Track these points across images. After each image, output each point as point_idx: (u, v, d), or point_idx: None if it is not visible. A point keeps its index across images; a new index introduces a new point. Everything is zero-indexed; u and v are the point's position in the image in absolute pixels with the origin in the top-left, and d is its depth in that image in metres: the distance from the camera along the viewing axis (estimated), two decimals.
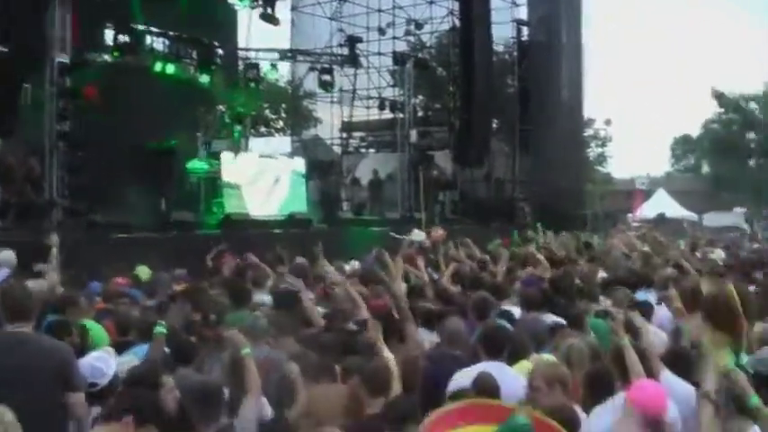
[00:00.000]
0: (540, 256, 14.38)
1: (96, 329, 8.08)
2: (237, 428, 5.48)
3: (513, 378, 6.54)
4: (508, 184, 31.96)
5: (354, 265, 14.15)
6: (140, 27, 24.06)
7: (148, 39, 24.64)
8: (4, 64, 15.49)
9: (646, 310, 8.86)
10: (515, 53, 32.76)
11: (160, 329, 6.91)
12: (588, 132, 50.30)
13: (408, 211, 27.10)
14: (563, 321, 8.67)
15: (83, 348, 7.48)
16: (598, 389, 6.25)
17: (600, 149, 60.97)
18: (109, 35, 23.20)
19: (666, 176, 74.36)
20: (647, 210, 46.48)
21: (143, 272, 12.95)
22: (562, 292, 10.52)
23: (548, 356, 6.70)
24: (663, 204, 47.24)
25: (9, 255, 11.49)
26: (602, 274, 13.39)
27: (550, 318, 8.94)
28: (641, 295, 10.40)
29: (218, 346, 6.98)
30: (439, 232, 19.74)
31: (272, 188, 22.98)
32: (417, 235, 19.08)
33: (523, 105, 31.08)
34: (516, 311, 9.48)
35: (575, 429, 5.29)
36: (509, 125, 32.38)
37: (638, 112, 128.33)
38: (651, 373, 6.18)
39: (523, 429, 2.48)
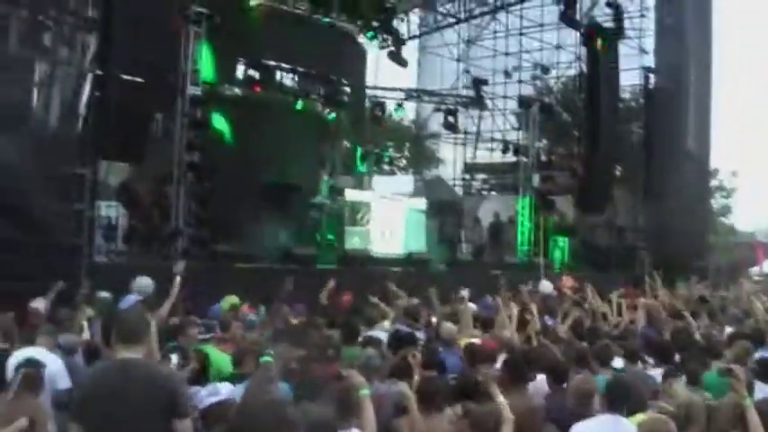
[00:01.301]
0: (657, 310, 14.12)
1: (217, 357, 8.20)
2: None
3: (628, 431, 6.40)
4: (629, 232, 31.44)
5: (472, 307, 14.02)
6: (271, 63, 24.53)
7: (278, 74, 25.09)
8: (137, 93, 15.91)
9: (765, 367, 8.58)
10: (642, 100, 32.34)
11: (267, 359, 6.91)
12: (713, 183, 49.16)
13: (528, 256, 26.90)
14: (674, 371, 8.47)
15: (201, 375, 7.61)
16: None
17: (724, 200, 59.55)
18: (240, 69, 23.74)
19: None
20: None
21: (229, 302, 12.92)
22: (682, 347, 10.28)
23: (658, 415, 6.50)
24: None
25: (147, 282, 11.72)
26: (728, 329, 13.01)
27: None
28: (763, 352, 10.03)
29: (334, 383, 6.98)
30: (570, 282, 19.53)
31: (393, 226, 23.06)
32: (546, 286, 18.90)
33: (648, 153, 30.59)
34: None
35: None
36: (633, 172, 31.89)
37: (766, 164, 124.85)
38: None
39: None
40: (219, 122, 21.02)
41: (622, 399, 6.89)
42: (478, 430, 5.99)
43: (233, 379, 7.24)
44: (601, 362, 8.80)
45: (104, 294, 12.10)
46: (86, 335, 9.58)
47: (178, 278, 11.03)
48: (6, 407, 6.73)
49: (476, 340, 9.97)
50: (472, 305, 13.95)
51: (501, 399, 6.60)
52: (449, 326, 10.78)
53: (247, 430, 5.22)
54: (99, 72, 14.65)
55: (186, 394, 6.15)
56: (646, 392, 7.52)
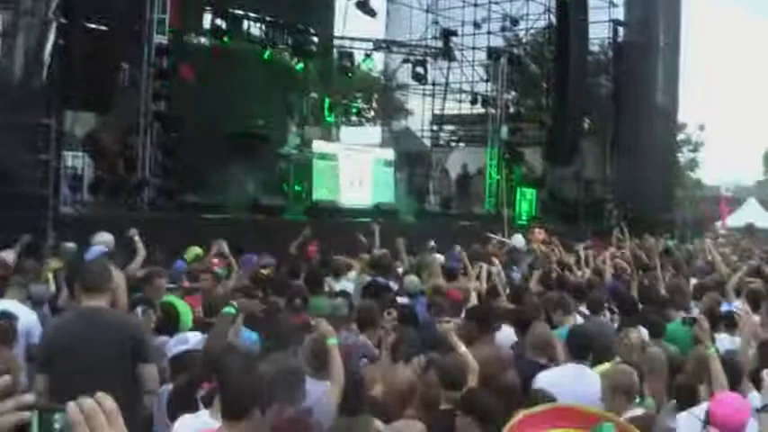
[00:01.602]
0: (623, 262, 14.28)
1: (182, 307, 8.19)
2: (316, 413, 5.51)
3: (592, 381, 6.48)
4: (597, 184, 31.60)
5: (439, 258, 14.05)
6: (238, 12, 24.32)
7: (245, 23, 24.88)
8: (102, 42, 15.75)
9: (731, 320, 8.70)
10: (611, 53, 32.38)
11: (229, 309, 6.90)
12: (681, 136, 49.37)
13: (495, 207, 26.98)
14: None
15: (169, 325, 7.62)
16: (682, 398, 6.19)
17: (691, 155, 59.87)
18: (207, 18, 23.54)
19: (758, 185, 72.65)
20: (736, 219, 45.45)
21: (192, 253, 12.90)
22: (648, 299, 10.42)
23: (623, 365, 6.56)
24: (753, 214, 46.14)
25: (107, 238, 11.68)
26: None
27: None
28: (726, 306, 10.15)
29: (303, 331, 7.01)
30: (541, 235, 19.62)
31: (360, 178, 23.05)
32: (518, 240, 18.94)
33: (616, 106, 30.69)
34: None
35: None
36: (601, 125, 32.02)
37: (733, 119, 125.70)
38: (735, 386, 6.08)
39: None
40: (186, 71, 20.82)
41: (584, 348, 6.98)
42: (445, 380, 6.04)
43: (202, 329, 7.26)
44: (563, 312, 8.88)
45: (70, 245, 12.07)
46: (53, 286, 9.56)
47: (136, 238, 10.94)
48: None
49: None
50: (439, 256, 14.06)
51: (463, 349, 6.65)
52: (412, 278, 10.85)
53: (208, 376, 5.32)
54: (63, 21, 14.46)
55: (150, 340, 6.28)
56: (610, 343, 7.63)
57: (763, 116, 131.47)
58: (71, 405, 1.80)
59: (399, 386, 5.99)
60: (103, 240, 11.29)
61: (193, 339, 6.62)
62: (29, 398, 1.83)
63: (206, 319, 7.89)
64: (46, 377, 5.75)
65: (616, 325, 9.17)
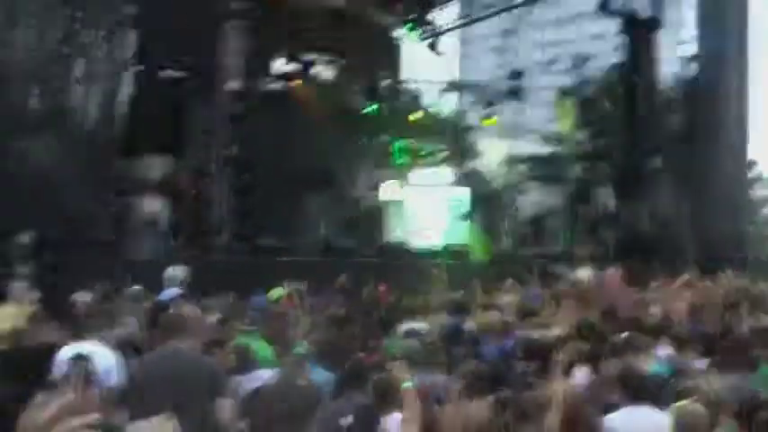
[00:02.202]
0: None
1: (261, 347, 8.26)
2: None
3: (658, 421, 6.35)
4: (670, 222, 31.20)
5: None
6: (309, 56, 24.57)
7: (316, 67, 25.11)
8: (178, 88, 16.01)
9: None
10: (680, 90, 32.08)
11: (299, 349, 6.97)
12: (752, 174, 48.67)
13: (569, 246, 26.76)
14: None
15: (242, 366, 7.66)
16: None
17: (764, 192, 58.86)
18: (278, 63, 23.81)
19: None
20: None
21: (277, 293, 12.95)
22: (728, 338, 10.20)
23: (695, 404, 6.40)
24: None
25: (177, 272, 11.78)
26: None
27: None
28: None
29: (376, 372, 7.00)
30: (617, 274, 19.39)
31: (433, 218, 23.04)
32: (582, 273, 18.76)
33: (688, 143, 30.35)
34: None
35: None
36: (672, 162, 31.65)
37: None
38: None
39: None
40: (259, 116, 21.04)
41: (641, 390, 6.88)
42: (522, 416, 5.98)
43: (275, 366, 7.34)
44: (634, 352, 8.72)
45: (136, 287, 12.17)
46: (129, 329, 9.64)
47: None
48: (71, 400, 6.79)
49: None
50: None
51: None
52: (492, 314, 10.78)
53: (277, 411, 5.39)
54: (138, 68, 14.74)
55: (225, 376, 6.43)
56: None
57: None
58: (130, 427, 1.84)
59: (476, 422, 5.93)
60: (176, 275, 11.41)
61: (264, 375, 6.72)
62: (94, 416, 1.87)
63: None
64: (125, 414, 5.87)
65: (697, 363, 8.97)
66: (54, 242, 12.49)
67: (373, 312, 11.19)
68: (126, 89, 14.57)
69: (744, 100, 30.89)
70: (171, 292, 10.69)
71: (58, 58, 14.15)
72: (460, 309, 11.82)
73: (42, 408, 1.90)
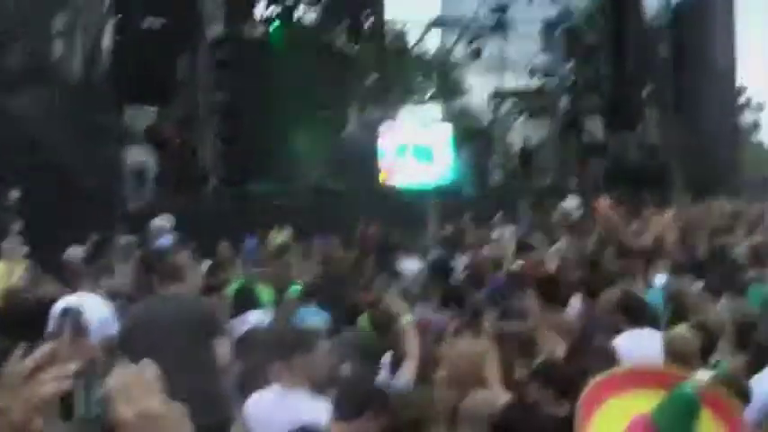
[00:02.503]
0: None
1: (261, 290, 8.31)
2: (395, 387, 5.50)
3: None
4: (660, 150, 31.17)
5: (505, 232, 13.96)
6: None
7: (298, 10, 24.89)
8: (158, 37, 15.85)
9: None
10: (668, 18, 31.89)
11: (295, 288, 7.04)
12: (741, 100, 48.72)
13: (560, 179, 26.77)
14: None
15: (242, 308, 7.69)
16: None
17: (753, 117, 58.96)
18: (260, 7, 23.58)
19: None
20: None
21: (284, 235, 13.00)
22: (720, 261, 10.24)
23: (686, 332, 6.40)
24: None
25: (163, 221, 11.76)
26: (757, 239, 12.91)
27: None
28: None
29: (372, 308, 7.01)
30: (605, 203, 19.38)
31: (423, 157, 22.96)
32: (570, 203, 18.82)
33: (676, 71, 30.24)
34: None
35: (746, 399, 5.07)
36: (662, 90, 31.54)
37: None
38: None
39: (692, 398, 2.36)
40: (243, 61, 20.90)
41: (638, 313, 6.92)
42: (517, 347, 6.00)
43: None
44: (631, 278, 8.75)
45: (129, 237, 12.16)
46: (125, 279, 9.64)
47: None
48: (66, 349, 6.79)
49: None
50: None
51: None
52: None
53: (267, 354, 5.43)
54: (118, 17, 14.57)
55: (221, 317, 6.56)
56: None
57: None
58: (111, 375, 1.82)
59: (476, 352, 5.93)
60: (162, 225, 11.40)
61: (252, 318, 6.82)
62: (71, 366, 1.84)
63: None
64: (125, 359, 5.91)
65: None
66: (43, 196, 12.44)
67: (367, 252, 11.17)
68: (107, 40, 14.41)
69: (731, 26, 30.82)
70: (165, 240, 10.67)
71: (37, 12, 14.00)
72: (452, 243, 11.86)
73: (26, 358, 1.86)
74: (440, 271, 9.42)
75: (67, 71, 14.35)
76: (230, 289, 8.25)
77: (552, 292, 7.83)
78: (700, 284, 9.01)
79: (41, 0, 14.09)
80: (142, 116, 19.56)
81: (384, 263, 10.15)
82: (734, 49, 31.31)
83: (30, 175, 12.65)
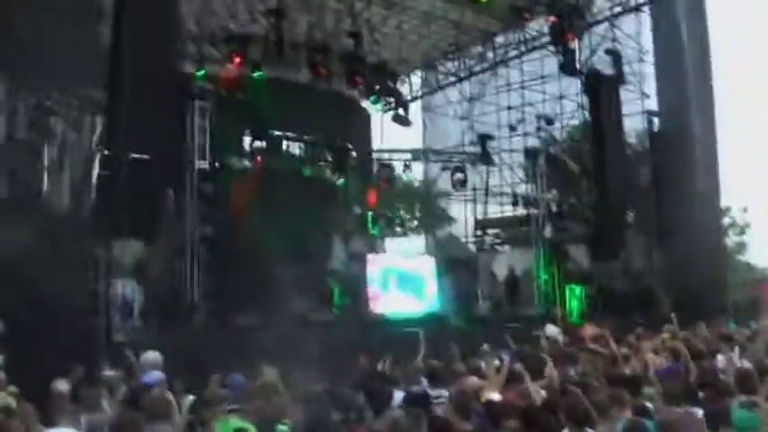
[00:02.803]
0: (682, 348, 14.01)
1: (245, 427, 8.18)
2: None
3: None
4: (645, 275, 31.27)
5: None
6: (277, 132, 24.73)
7: (285, 143, 25.28)
8: (146, 171, 16.04)
9: None
10: (647, 144, 32.33)
11: (282, 428, 6.94)
12: (726, 220, 49.09)
13: (545, 307, 26.77)
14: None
15: None
16: None
17: (738, 238, 59.30)
18: (247, 141, 23.94)
19: None
20: None
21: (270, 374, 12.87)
22: (706, 385, 10.18)
23: None
24: None
25: (154, 355, 11.71)
26: (747, 364, 12.89)
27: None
28: None
29: None
30: (591, 330, 19.41)
31: (409, 286, 23.04)
32: (550, 330, 18.87)
33: (658, 196, 30.51)
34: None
35: None
36: (644, 216, 31.81)
37: None
38: None
39: None
40: (230, 195, 21.12)
41: None
42: None
43: None
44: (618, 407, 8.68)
45: (113, 373, 12.07)
46: (108, 414, 9.54)
47: None
48: None
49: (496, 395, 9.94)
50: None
51: None
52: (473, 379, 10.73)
53: None
54: (107, 152, 14.74)
55: None
56: None
57: None
58: None
59: None
60: (154, 359, 11.33)
61: None
62: None
63: None
64: None
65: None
66: (28, 328, 12.39)
67: (357, 385, 11.09)
68: (96, 174, 14.54)
69: (711, 147, 31.20)
70: (153, 375, 10.59)
71: (26, 146, 14.14)
72: (436, 375, 11.77)
73: None
74: (418, 404, 9.33)
75: (55, 204, 14.41)
76: (215, 428, 8.12)
77: (539, 423, 7.78)
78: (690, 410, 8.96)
79: (31, 131, 14.22)
80: (129, 249, 19.63)
81: (374, 395, 10.04)
82: (717, 171, 31.61)
83: (15, 306, 12.62)
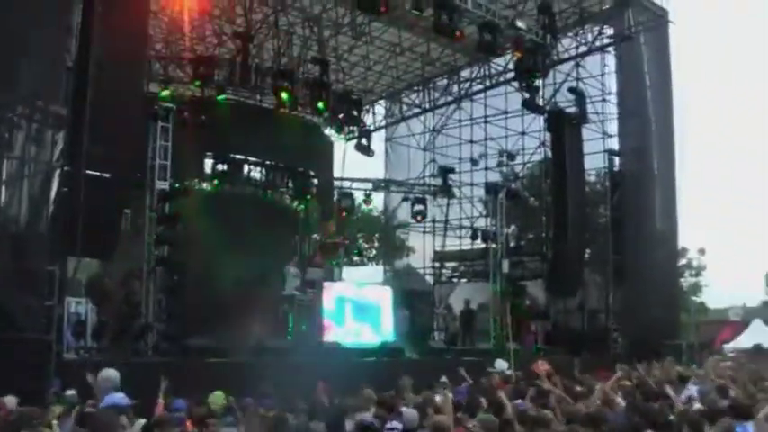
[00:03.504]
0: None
1: None
2: None
3: None
4: (601, 314, 31.42)
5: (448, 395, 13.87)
6: (239, 156, 24.69)
7: (246, 168, 25.23)
8: (105, 190, 15.92)
9: None
10: (607, 183, 32.57)
11: None
12: (682, 261, 49.61)
13: (501, 342, 26.78)
14: None
15: None
16: None
17: (694, 279, 59.92)
18: (208, 164, 23.87)
19: (764, 305, 72.29)
20: (744, 340, 45.43)
21: (218, 398, 12.74)
22: (659, 426, 10.22)
23: None
24: (759, 335, 45.96)
25: (112, 374, 11.60)
26: (698, 406, 12.96)
27: None
28: (740, 429, 9.96)
29: None
30: (544, 366, 19.41)
31: (365, 316, 22.99)
32: (500, 365, 18.92)
33: (616, 235, 30.70)
34: None
35: None
36: (602, 255, 32.01)
37: (733, 240, 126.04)
38: None
39: None
40: (189, 216, 20.99)
41: None
42: None
43: None
44: None
45: (71, 392, 11.92)
46: None
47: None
48: None
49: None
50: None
51: None
52: (411, 412, 10.69)
53: None
54: (67, 168, 14.59)
55: None
56: None
57: (763, 236, 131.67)
58: None
59: None
60: (112, 377, 11.21)
61: None
62: None
63: None
64: None
65: None
66: None
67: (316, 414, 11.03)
68: (54, 191, 14.38)
69: (671, 189, 31.54)
70: (117, 397, 10.38)
71: None
72: (387, 407, 11.73)
73: None
74: None
75: (12, 220, 14.25)
76: None
77: None
78: None
79: None
80: (85, 268, 19.45)
81: (330, 424, 10.00)
82: (675, 212, 31.93)
83: None
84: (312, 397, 13.66)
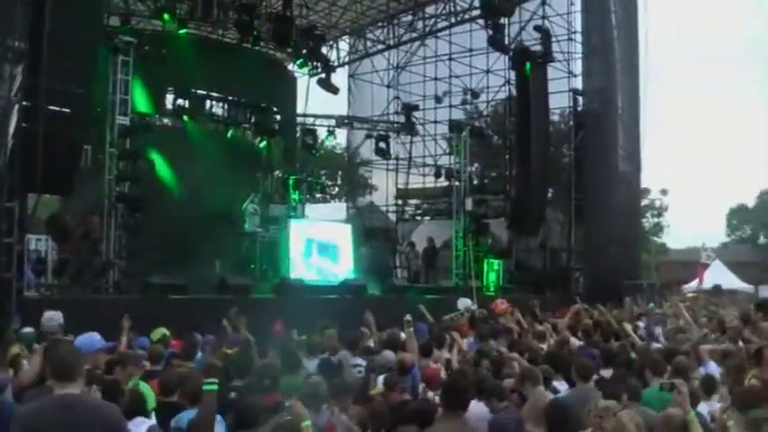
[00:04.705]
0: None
1: (145, 390, 8.01)
2: None
3: None
4: (563, 253, 31.59)
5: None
6: (201, 92, 24.41)
7: (208, 103, 24.95)
8: (65, 125, 15.68)
9: (708, 383, 8.65)
10: (571, 123, 32.56)
11: (211, 386, 6.76)
12: (644, 202, 49.93)
13: (462, 280, 26.91)
14: None
15: (135, 410, 7.41)
16: None
17: (656, 219, 60.44)
18: (169, 99, 23.59)
19: (723, 247, 73.30)
20: (704, 281, 46.08)
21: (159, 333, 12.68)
22: (618, 365, 10.32)
23: None
24: (718, 275, 46.57)
25: (54, 314, 11.53)
26: (657, 345, 13.10)
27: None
28: (702, 370, 10.05)
29: (273, 412, 6.84)
30: (504, 305, 19.53)
31: (328, 254, 23.00)
32: (463, 303, 19.01)
33: (579, 175, 30.75)
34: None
35: None
36: (565, 194, 32.10)
37: (695, 181, 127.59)
38: None
39: None
40: (150, 152, 20.79)
41: (561, 422, 6.92)
42: None
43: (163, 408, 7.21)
44: (532, 383, 8.74)
45: (29, 329, 11.81)
46: (27, 370, 9.27)
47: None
48: None
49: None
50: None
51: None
52: (387, 353, 10.71)
53: None
54: (25, 103, 14.35)
55: (126, 428, 6.11)
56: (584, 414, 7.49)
57: (725, 177, 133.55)
58: None
59: None
60: (55, 317, 11.18)
61: (145, 426, 6.60)
62: None
63: (164, 398, 7.85)
64: None
65: None
66: None
67: (267, 350, 11.00)
68: (13, 126, 14.14)
69: (635, 130, 31.58)
70: (92, 338, 10.27)
71: None
72: (351, 345, 11.75)
73: None
74: (329, 373, 9.27)
75: None
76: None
77: (451, 396, 7.74)
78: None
79: None
80: (45, 204, 19.26)
81: (288, 362, 9.96)
82: (638, 153, 32.01)
83: None
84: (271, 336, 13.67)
